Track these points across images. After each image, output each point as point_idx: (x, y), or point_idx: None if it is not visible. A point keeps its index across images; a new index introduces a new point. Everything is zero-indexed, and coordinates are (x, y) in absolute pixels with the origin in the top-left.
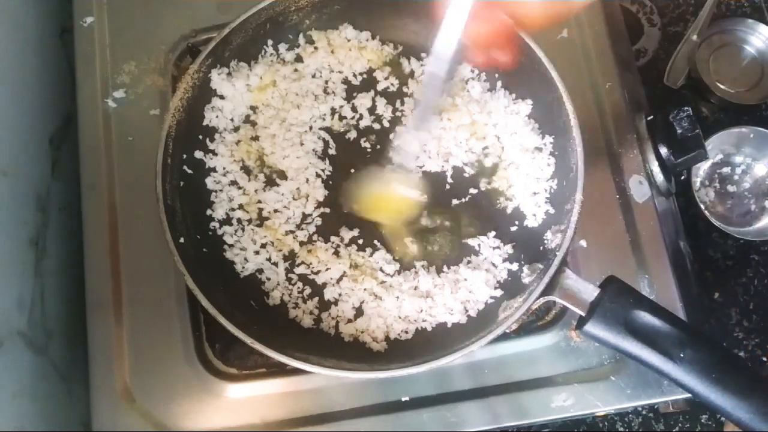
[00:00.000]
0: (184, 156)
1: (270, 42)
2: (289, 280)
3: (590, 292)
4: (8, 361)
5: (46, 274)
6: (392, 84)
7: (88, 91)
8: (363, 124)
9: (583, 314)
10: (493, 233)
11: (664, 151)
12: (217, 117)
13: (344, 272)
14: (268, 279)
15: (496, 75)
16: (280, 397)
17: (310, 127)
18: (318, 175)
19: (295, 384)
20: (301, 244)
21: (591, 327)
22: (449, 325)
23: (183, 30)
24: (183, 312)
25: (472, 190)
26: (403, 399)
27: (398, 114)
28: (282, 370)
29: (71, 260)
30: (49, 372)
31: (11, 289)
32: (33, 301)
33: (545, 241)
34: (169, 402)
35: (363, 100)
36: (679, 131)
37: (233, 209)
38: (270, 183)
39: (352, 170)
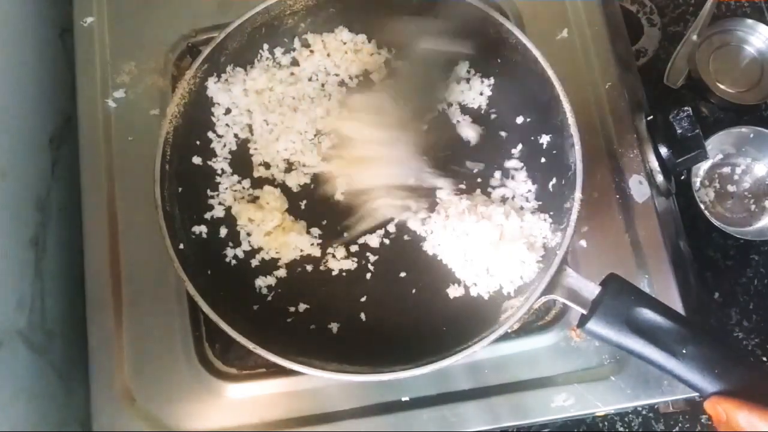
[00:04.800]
0: (183, 162)
1: (266, 46)
2: None
3: (591, 290)
4: (8, 361)
5: (46, 274)
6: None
7: (88, 91)
8: None
9: (584, 312)
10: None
11: (664, 151)
12: (215, 122)
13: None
14: None
15: (492, 78)
16: (280, 397)
17: (307, 130)
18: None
19: (295, 384)
20: None
21: (593, 325)
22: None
23: (183, 30)
24: (183, 312)
25: None
26: (403, 399)
27: None
28: (282, 370)
29: (71, 260)
30: (49, 372)
31: (11, 289)
32: (33, 301)
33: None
34: (169, 402)
35: None
36: (679, 131)
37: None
38: (269, 186)
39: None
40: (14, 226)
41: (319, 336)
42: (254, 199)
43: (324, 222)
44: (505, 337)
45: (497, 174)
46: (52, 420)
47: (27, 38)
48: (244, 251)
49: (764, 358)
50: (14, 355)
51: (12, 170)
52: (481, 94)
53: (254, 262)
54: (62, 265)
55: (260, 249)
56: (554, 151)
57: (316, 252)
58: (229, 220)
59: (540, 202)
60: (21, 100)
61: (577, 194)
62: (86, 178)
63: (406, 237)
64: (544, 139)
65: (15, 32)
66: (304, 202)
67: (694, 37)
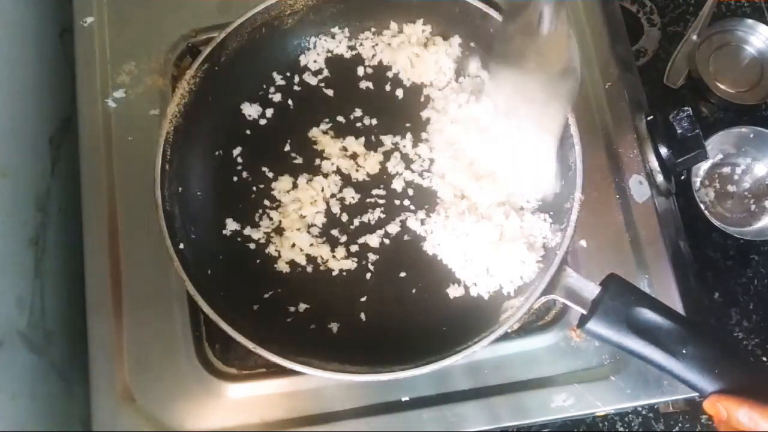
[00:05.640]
0: (183, 161)
1: None
2: None
3: (591, 290)
4: (8, 361)
5: (46, 274)
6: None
7: (88, 91)
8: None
9: (584, 312)
10: None
11: (664, 151)
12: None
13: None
14: None
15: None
16: (280, 397)
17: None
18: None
19: (295, 384)
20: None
21: (593, 325)
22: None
23: (183, 30)
24: (183, 312)
25: None
26: (403, 399)
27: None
28: (282, 370)
29: (71, 260)
30: (49, 372)
31: (11, 289)
32: (33, 301)
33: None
34: (169, 402)
35: None
36: (679, 131)
37: None
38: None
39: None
40: (14, 226)
41: (319, 336)
42: None
43: (324, 221)
44: (505, 337)
45: None
46: (52, 420)
47: (27, 38)
48: None
49: (764, 358)
50: (14, 355)
51: (12, 170)
52: None
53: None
54: (62, 265)
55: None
56: None
57: (316, 252)
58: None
59: (540, 202)
60: (21, 100)
61: (577, 194)
62: (86, 178)
63: (406, 237)
64: None
65: (15, 32)
66: None
67: (694, 37)
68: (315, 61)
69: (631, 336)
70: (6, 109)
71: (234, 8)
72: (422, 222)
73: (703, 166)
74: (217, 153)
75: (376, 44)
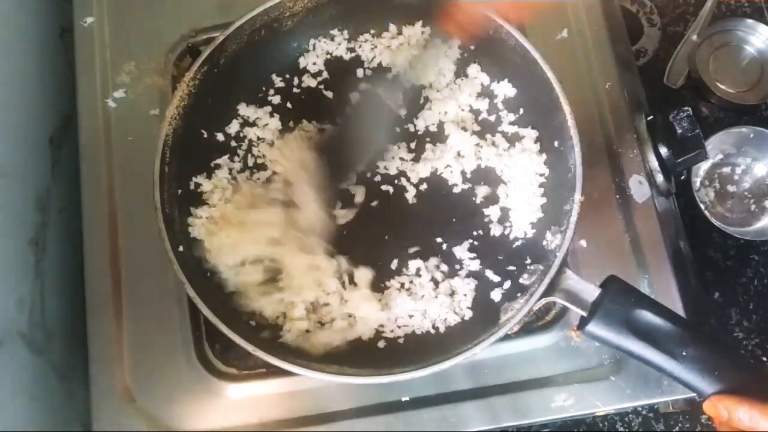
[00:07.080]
0: (182, 164)
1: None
2: None
3: (591, 292)
4: (8, 361)
5: (46, 274)
6: None
7: (88, 91)
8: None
9: (584, 314)
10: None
11: (664, 151)
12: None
13: None
14: None
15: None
16: (279, 397)
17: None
18: None
19: (294, 384)
20: None
21: (593, 327)
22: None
23: (183, 30)
24: (183, 312)
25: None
26: (403, 399)
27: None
28: (282, 370)
29: (71, 260)
30: (49, 372)
31: (11, 289)
32: (33, 301)
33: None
34: (169, 402)
35: None
36: (679, 131)
37: None
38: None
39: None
40: (14, 226)
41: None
42: None
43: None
44: (505, 337)
45: None
46: (52, 420)
47: (27, 38)
48: None
49: (764, 358)
50: (14, 355)
51: (12, 170)
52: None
53: None
54: (62, 265)
55: None
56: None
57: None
58: None
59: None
60: (21, 100)
61: (577, 196)
62: (86, 178)
63: None
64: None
65: (15, 32)
66: None
67: (694, 37)
68: (314, 63)
69: (631, 338)
70: (6, 109)
71: (234, 8)
72: None
73: (703, 166)
74: (215, 155)
75: (375, 46)
